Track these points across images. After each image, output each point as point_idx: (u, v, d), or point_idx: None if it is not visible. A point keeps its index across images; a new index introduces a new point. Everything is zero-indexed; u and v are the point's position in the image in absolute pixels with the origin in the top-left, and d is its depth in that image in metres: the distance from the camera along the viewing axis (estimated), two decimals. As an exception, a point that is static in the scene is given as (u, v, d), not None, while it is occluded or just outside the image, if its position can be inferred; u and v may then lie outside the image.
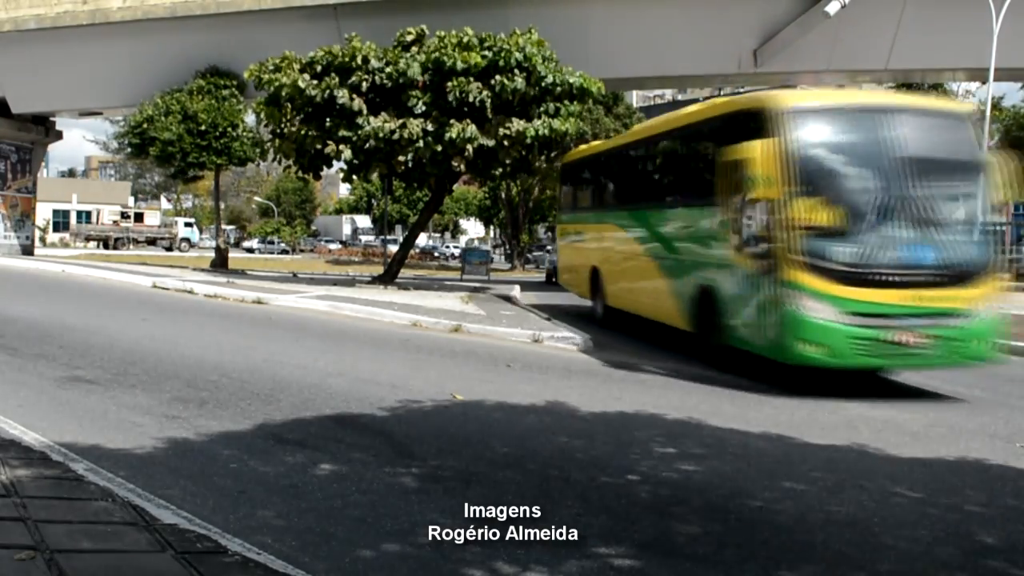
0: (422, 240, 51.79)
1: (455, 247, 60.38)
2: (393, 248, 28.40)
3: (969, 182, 5.73)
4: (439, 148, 18.10)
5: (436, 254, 53.78)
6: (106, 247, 48.63)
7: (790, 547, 4.18)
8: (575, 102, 18.64)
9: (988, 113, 18.85)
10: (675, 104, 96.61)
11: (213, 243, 32.47)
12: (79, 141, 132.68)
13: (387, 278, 22.19)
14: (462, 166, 18.80)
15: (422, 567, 3.76)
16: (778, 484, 5.24)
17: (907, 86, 31.90)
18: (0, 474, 4.27)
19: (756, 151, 5.70)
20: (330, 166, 21.47)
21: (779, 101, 5.78)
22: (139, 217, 56.81)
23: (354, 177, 21.56)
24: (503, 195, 49.79)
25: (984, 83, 22.45)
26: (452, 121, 17.96)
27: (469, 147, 17.99)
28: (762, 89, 11.10)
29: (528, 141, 18.00)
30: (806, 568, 3.93)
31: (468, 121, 17.94)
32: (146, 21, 25.27)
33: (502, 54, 17.97)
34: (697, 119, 7.33)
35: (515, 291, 21.73)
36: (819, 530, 4.42)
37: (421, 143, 18.11)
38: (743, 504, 4.80)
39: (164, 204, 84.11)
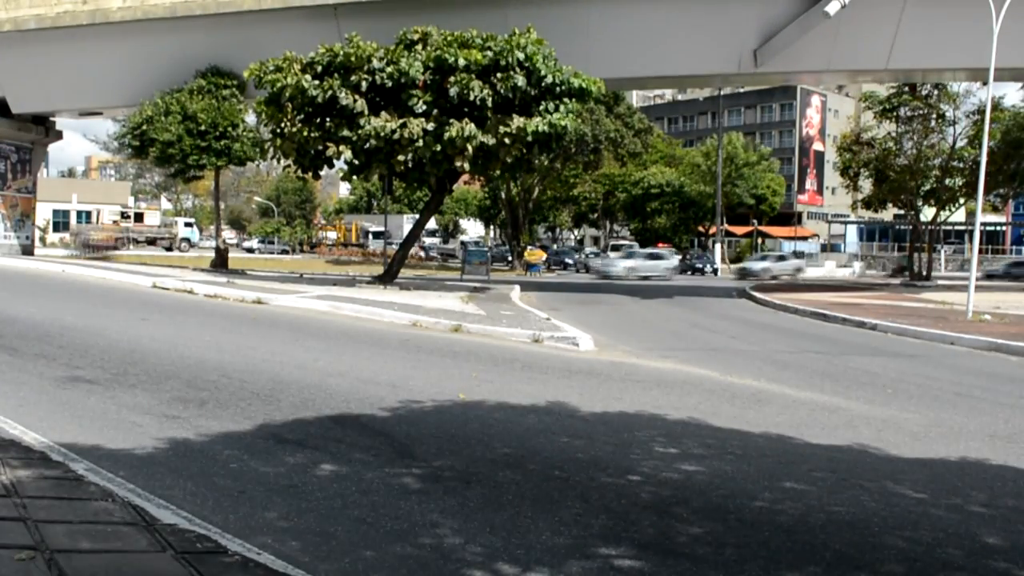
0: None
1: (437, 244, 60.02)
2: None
3: None
4: (439, 148, 18.11)
5: (432, 253, 53.61)
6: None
7: (791, 547, 4.17)
8: (575, 100, 18.66)
9: (988, 113, 18.84)
10: (675, 104, 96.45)
11: (212, 244, 32.43)
12: (79, 141, 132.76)
13: (387, 278, 22.20)
14: (463, 165, 18.81)
15: (422, 567, 3.76)
16: (779, 484, 5.23)
17: (909, 86, 31.93)
18: (0, 474, 4.27)
19: None
20: (331, 166, 21.49)
21: None
22: (139, 217, 56.78)
23: (354, 177, 21.57)
24: (503, 195, 49.79)
25: (984, 83, 22.44)
26: (452, 120, 17.97)
27: (470, 146, 17.99)
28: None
29: (528, 138, 18.00)
30: (807, 568, 3.93)
31: (468, 120, 17.95)
32: (146, 21, 25.27)
33: (503, 53, 17.98)
34: None
35: (515, 291, 21.74)
36: (820, 530, 4.41)
37: (421, 142, 18.12)
38: (744, 504, 4.80)
39: (164, 204, 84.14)
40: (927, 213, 38.82)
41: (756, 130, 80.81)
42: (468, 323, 13.09)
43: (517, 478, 5.15)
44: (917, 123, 33.76)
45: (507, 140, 18.05)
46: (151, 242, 52.07)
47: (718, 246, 55.08)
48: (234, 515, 4.28)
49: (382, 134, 18.15)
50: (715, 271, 48.02)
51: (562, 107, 18.29)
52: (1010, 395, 9.04)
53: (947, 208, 36.95)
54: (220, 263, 27.62)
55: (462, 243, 56.60)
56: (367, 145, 18.55)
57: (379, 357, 10.05)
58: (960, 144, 33.57)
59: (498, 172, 20.88)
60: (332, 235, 64.71)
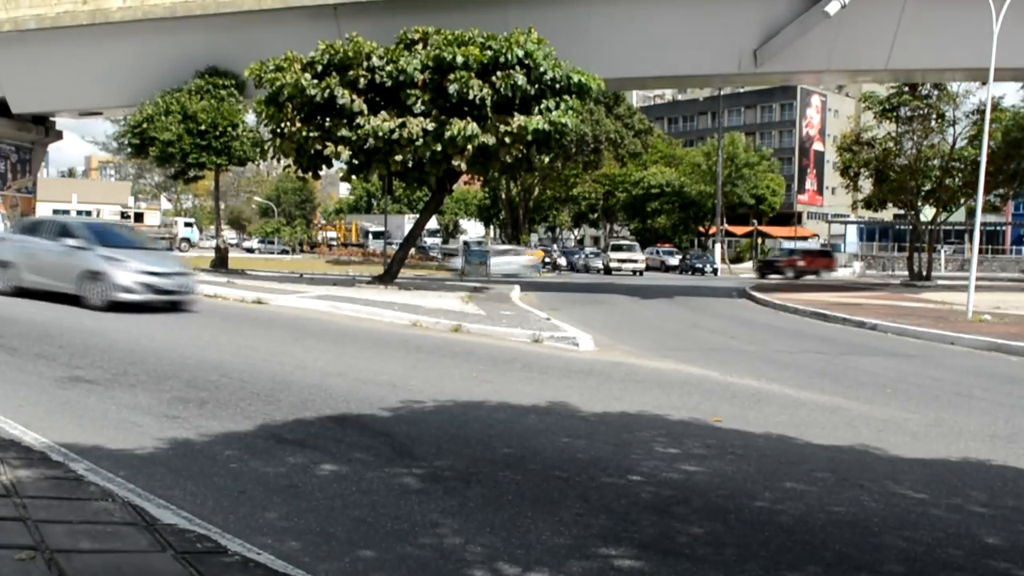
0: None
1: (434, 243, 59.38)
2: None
3: None
4: (439, 147, 18.09)
5: (433, 253, 53.25)
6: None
7: (791, 547, 4.17)
8: (575, 97, 18.65)
9: (988, 113, 18.82)
10: (675, 104, 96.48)
11: (213, 243, 32.41)
12: (78, 142, 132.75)
13: (387, 278, 22.19)
14: (462, 164, 18.80)
15: (423, 567, 3.75)
16: (779, 484, 5.23)
17: (909, 86, 31.92)
18: (0, 474, 4.26)
19: None
20: (330, 166, 21.49)
21: None
22: (139, 217, 56.82)
23: (353, 177, 21.56)
24: (503, 195, 49.77)
25: (984, 83, 22.42)
26: (453, 119, 17.95)
27: (470, 145, 17.98)
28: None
29: (528, 137, 17.98)
30: (808, 568, 3.93)
31: (469, 119, 17.94)
32: (146, 21, 25.27)
33: (502, 50, 17.97)
34: None
35: (515, 291, 21.74)
36: (820, 530, 4.41)
37: (421, 142, 18.10)
38: (744, 504, 4.80)
39: (164, 204, 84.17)
40: (927, 213, 38.82)
41: (756, 130, 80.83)
42: (468, 323, 13.09)
43: (517, 478, 5.15)
44: (917, 123, 33.74)
45: (507, 139, 18.04)
46: (151, 242, 52.04)
47: (718, 246, 55.08)
48: (234, 515, 4.27)
49: (380, 134, 18.14)
50: (715, 271, 47.77)
51: (562, 104, 18.27)
52: (1010, 395, 9.03)
53: (947, 208, 36.95)
54: (220, 263, 27.62)
55: (464, 243, 55.74)
56: (366, 145, 18.54)
57: (379, 357, 10.05)
58: (960, 144, 33.55)
59: (498, 172, 20.88)
60: (332, 235, 64.69)
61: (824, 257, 44.75)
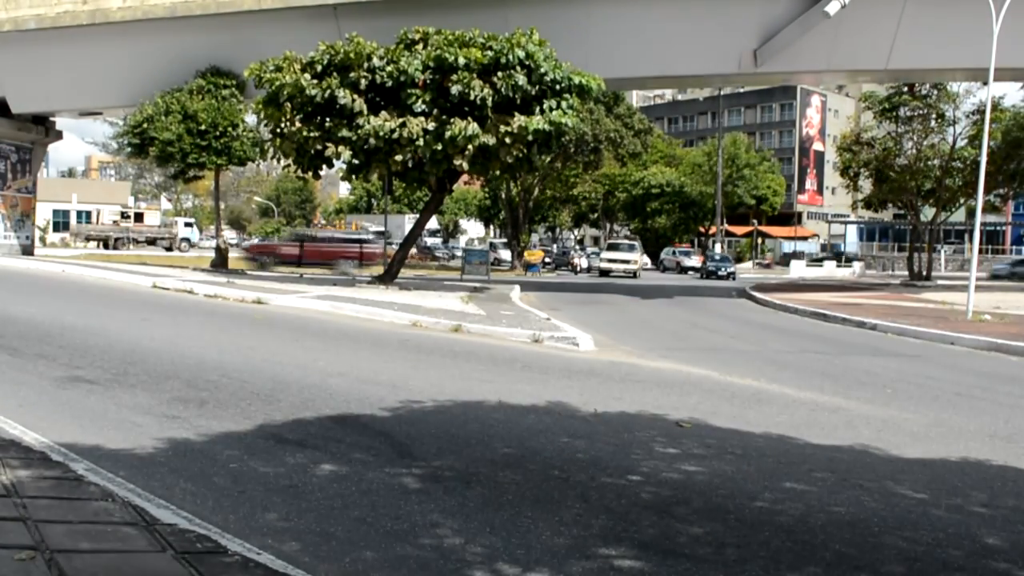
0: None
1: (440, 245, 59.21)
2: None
3: None
4: (439, 147, 18.09)
5: (437, 253, 53.01)
6: (106, 247, 48.65)
7: (791, 547, 4.17)
8: (575, 96, 18.65)
9: (988, 113, 18.82)
10: (675, 104, 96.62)
11: (213, 243, 32.41)
12: (77, 142, 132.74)
13: (387, 278, 22.18)
14: (463, 164, 18.80)
15: (422, 567, 3.75)
16: (779, 484, 5.23)
17: (908, 86, 31.94)
18: (0, 474, 4.26)
19: None
20: (331, 166, 21.48)
21: None
22: (139, 217, 56.84)
23: (353, 177, 21.57)
24: (503, 195, 49.73)
25: (984, 83, 22.43)
26: (454, 119, 17.95)
27: (470, 145, 17.98)
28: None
29: (529, 137, 17.99)
30: (808, 568, 3.93)
31: (469, 119, 17.93)
32: (146, 21, 25.27)
33: (503, 51, 17.98)
34: None
35: (515, 291, 21.74)
36: (820, 530, 4.41)
37: (421, 142, 18.10)
38: (744, 504, 4.80)
39: (164, 204, 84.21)
40: (927, 213, 38.84)
41: (756, 130, 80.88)
42: (468, 323, 13.09)
43: (517, 478, 5.15)
44: (917, 123, 33.76)
45: (508, 139, 18.04)
46: (151, 242, 52.13)
47: (718, 246, 55.12)
48: (234, 515, 4.28)
49: (381, 134, 18.13)
50: (732, 275, 41.46)
51: (563, 103, 18.27)
52: (1010, 395, 9.03)
53: (947, 208, 36.96)
54: (220, 263, 27.61)
55: (491, 244, 53.85)
56: (366, 145, 18.53)
57: (379, 357, 10.04)
58: (960, 144, 33.57)
59: (498, 172, 20.88)
60: None
61: (349, 244, 31.13)
